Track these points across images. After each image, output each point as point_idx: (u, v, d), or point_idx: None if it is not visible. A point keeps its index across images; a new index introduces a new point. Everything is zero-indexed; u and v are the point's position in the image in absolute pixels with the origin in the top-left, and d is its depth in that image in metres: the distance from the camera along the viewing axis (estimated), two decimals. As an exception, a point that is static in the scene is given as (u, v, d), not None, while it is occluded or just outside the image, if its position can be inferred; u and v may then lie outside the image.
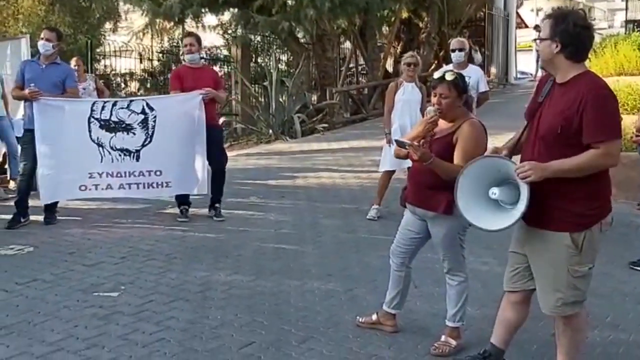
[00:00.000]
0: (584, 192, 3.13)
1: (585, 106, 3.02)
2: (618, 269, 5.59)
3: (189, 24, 17.40)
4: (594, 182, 3.14)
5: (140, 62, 19.19)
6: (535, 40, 3.29)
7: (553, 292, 3.28)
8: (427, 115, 3.95)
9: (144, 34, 17.78)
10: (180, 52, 20.78)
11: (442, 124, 3.90)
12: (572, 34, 3.09)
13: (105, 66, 18.55)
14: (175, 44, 23.02)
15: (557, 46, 3.12)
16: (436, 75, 3.97)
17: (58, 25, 17.11)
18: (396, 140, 3.92)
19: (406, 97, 7.01)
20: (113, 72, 18.63)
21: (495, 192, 3.23)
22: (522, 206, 3.11)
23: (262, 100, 15.75)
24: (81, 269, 5.39)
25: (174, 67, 20.35)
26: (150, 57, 19.51)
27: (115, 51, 16.59)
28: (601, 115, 3.03)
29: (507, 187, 3.23)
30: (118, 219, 7.01)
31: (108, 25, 20.27)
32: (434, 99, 3.87)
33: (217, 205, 7.06)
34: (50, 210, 6.77)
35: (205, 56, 22.02)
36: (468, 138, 3.79)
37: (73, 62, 8.70)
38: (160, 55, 20.62)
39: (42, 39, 6.62)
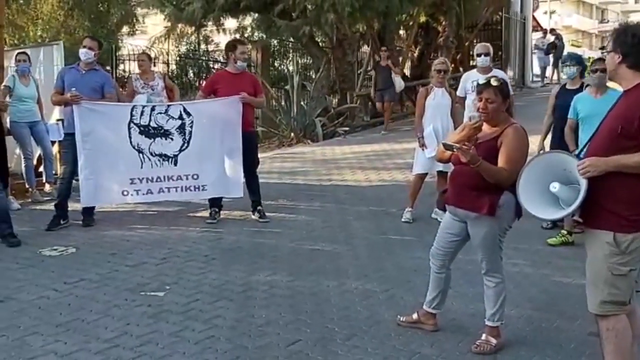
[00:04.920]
0: (632, 198, 3.28)
1: None
2: None
3: (209, 28, 17.64)
4: None
5: (154, 65, 19.34)
6: (602, 52, 3.52)
7: (594, 290, 3.41)
8: (471, 120, 4.09)
9: (166, 39, 17.98)
10: (201, 55, 21.21)
11: (486, 128, 4.05)
12: (630, 44, 3.30)
13: (124, 70, 18.81)
14: (193, 47, 23.35)
15: (618, 57, 3.34)
16: (482, 80, 4.11)
17: (77, 30, 17.40)
18: (444, 144, 4.06)
19: (437, 102, 7.16)
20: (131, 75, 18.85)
21: (555, 187, 3.43)
22: (578, 200, 3.30)
23: (284, 103, 15.92)
24: (125, 269, 5.57)
25: (190, 70, 20.91)
26: (167, 61, 19.69)
27: (134, 54, 16.79)
28: None
29: (568, 189, 3.40)
30: (153, 221, 7.19)
31: (125, 29, 20.57)
32: (479, 104, 4.02)
33: (259, 207, 7.24)
34: (89, 212, 6.96)
35: (223, 60, 22.36)
36: (512, 142, 3.94)
37: (141, 57, 8.46)
38: (178, 59, 20.88)
39: (84, 47, 6.86)
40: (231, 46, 7.24)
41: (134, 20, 20.40)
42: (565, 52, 13.72)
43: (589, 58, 12.11)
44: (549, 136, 7.06)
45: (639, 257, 3.38)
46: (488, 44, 8.26)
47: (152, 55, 17.25)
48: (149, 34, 20.53)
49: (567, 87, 7.01)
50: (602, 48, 24.40)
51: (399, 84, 14.47)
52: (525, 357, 4.08)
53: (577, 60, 7.09)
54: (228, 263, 5.78)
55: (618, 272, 3.34)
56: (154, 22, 20.05)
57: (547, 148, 6.90)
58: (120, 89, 8.55)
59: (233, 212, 7.48)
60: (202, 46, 23.37)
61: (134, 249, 6.16)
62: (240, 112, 6.91)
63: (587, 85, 6.95)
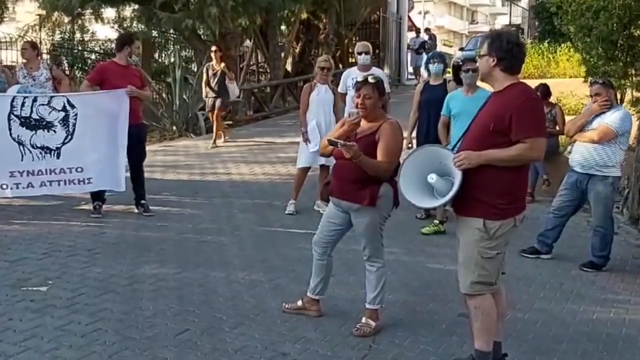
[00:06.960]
0: (500, 189, 3.64)
1: (518, 108, 3.56)
2: (510, 256, 6.18)
3: (87, 17, 17.07)
4: (511, 182, 3.67)
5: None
6: (476, 56, 3.82)
7: (465, 272, 3.76)
8: (349, 116, 4.35)
9: (40, 27, 17.22)
10: (75, 44, 20.46)
11: (364, 124, 4.33)
12: (505, 49, 3.63)
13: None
14: (67, 37, 22.46)
15: (493, 60, 3.64)
16: (360, 78, 4.37)
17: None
18: (328, 140, 4.28)
19: (320, 97, 7.43)
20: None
21: (433, 178, 3.72)
22: (453, 189, 3.61)
23: (166, 96, 15.71)
24: (4, 265, 5.42)
25: (64, 60, 20.13)
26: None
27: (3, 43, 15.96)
28: (531, 116, 3.59)
29: (443, 180, 3.70)
30: (33, 215, 6.98)
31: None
32: (357, 100, 4.28)
33: (143, 201, 7.21)
34: (-38, 207, 6.68)
35: (99, 50, 21.68)
36: (389, 137, 4.24)
37: (23, 45, 8.05)
38: (51, 48, 20.03)
39: None
40: (129, 40, 7.20)
41: (3, 7, 19.38)
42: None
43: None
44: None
45: (505, 242, 3.77)
46: (368, 43, 8.65)
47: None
48: (22, 22, 19.50)
49: (431, 83, 7.52)
50: (462, 49, 25.84)
51: (233, 91, 12.61)
52: (401, 338, 4.39)
53: (443, 58, 7.68)
54: (113, 257, 5.75)
55: (487, 255, 3.70)
56: (28, 10, 19.13)
57: (414, 143, 7.35)
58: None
59: (115, 206, 7.39)
60: (77, 35, 22.54)
61: (13, 244, 5.98)
62: (127, 105, 6.84)
63: (449, 81, 7.52)
